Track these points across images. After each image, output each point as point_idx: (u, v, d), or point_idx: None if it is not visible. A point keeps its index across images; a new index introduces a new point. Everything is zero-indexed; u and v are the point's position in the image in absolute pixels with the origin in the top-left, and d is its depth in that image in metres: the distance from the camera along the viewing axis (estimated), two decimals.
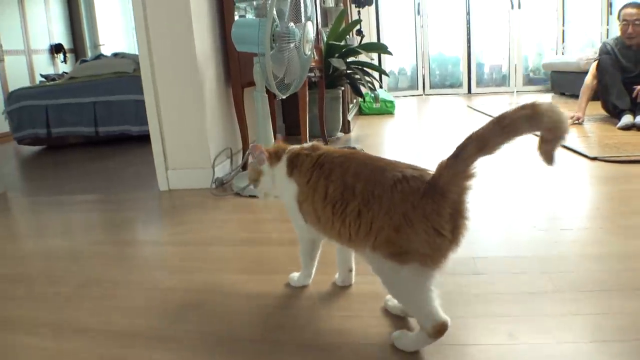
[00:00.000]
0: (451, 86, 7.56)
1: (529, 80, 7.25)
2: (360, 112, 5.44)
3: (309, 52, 2.33)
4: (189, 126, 2.49)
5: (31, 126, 4.30)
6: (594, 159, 2.57)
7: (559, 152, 0.86)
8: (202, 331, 1.14)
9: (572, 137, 3.14)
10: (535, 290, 1.22)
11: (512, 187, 2.17)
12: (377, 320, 1.13)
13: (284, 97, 2.33)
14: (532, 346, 0.99)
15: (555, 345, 0.99)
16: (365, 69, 3.68)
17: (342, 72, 3.58)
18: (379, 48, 3.91)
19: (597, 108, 4.02)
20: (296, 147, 1.20)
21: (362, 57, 3.86)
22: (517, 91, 7.04)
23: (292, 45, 2.19)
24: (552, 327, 1.05)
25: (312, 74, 3.07)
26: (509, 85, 7.24)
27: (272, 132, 2.42)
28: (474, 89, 7.36)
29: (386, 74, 3.96)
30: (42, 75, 5.87)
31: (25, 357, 1.09)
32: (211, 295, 1.32)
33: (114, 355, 1.07)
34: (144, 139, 4.13)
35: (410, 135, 3.88)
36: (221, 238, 1.75)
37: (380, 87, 4.96)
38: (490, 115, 4.49)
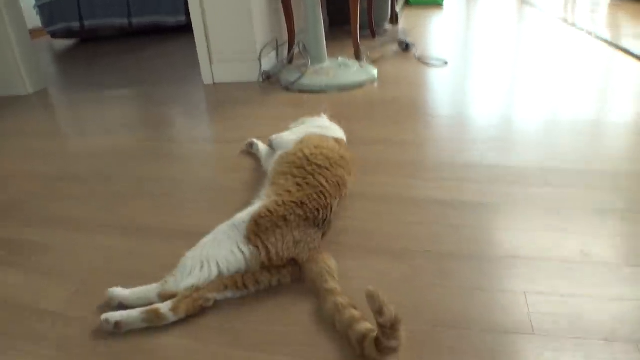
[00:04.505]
0: None
1: None
2: (407, 2, 5.06)
3: None
4: (234, 15, 2.35)
5: (63, 19, 4.17)
6: None
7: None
8: None
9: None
10: (607, 208, 1.16)
11: (583, 100, 2.03)
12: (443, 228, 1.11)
13: None
14: (607, 265, 0.96)
15: (628, 267, 0.95)
16: None
17: None
18: None
19: None
20: None
21: None
22: None
23: None
24: (626, 247, 1.01)
25: None
26: None
27: (322, 19, 2.27)
28: None
29: None
30: None
31: (95, 255, 1.13)
32: None
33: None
34: (181, 30, 3.99)
35: (459, 29, 3.61)
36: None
37: None
38: (544, 11, 4.10)
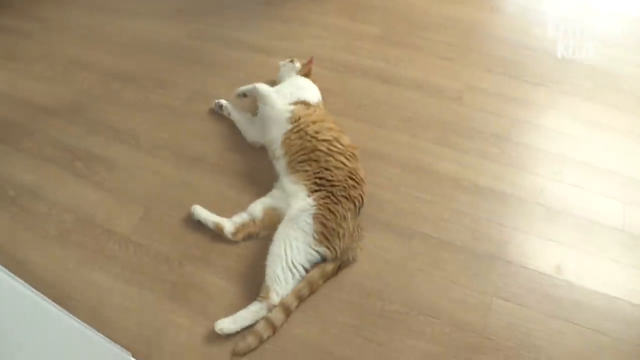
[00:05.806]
0: None
1: None
2: None
3: None
4: None
5: None
6: None
7: None
8: None
9: None
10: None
11: None
12: None
13: None
14: (574, 287, 1.13)
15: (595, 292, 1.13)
16: None
17: None
18: None
19: None
20: None
21: None
22: None
23: None
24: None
25: None
26: None
27: None
28: None
29: None
30: None
31: (154, 180, 1.34)
32: None
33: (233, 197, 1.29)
34: None
35: None
36: (320, 58, 1.69)
37: None
38: None
